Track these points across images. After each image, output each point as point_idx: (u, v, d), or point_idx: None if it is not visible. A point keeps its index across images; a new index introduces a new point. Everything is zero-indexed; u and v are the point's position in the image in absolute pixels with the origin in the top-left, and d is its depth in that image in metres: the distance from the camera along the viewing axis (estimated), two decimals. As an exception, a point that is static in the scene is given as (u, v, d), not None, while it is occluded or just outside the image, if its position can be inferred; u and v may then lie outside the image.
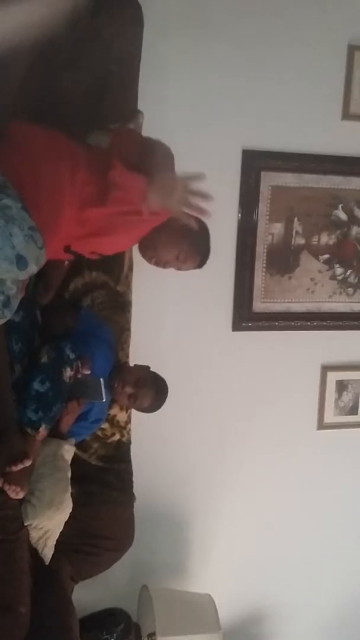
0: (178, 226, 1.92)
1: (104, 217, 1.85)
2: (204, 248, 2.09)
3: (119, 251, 2.19)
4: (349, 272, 2.81)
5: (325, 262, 2.77)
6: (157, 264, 2.07)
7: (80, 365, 2.06)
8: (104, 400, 2.16)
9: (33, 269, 1.61)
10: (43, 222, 1.64)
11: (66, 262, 2.14)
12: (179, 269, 2.10)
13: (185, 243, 2.02)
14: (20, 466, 1.87)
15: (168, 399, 2.29)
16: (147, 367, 2.29)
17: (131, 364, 2.38)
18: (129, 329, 2.41)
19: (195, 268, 2.12)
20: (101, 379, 2.12)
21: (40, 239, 1.61)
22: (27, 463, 1.89)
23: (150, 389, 2.23)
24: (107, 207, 1.81)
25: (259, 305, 2.71)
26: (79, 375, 2.06)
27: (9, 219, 1.54)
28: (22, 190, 1.62)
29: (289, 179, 2.65)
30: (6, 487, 1.87)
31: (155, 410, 2.28)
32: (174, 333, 2.59)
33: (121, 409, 2.39)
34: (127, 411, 2.41)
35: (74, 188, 1.77)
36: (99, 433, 2.38)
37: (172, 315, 2.58)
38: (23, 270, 1.57)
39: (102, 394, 2.12)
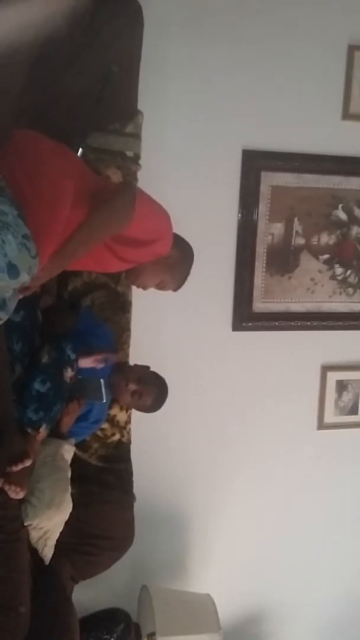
0: (161, 259, 2.02)
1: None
2: (184, 276, 2.15)
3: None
4: (349, 272, 2.81)
5: (325, 262, 2.77)
6: (138, 287, 2.14)
7: (96, 357, 2.07)
8: (104, 401, 2.16)
9: (25, 278, 1.58)
10: (39, 231, 1.61)
11: None
12: (158, 289, 2.17)
13: (167, 274, 2.09)
14: (20, 466, 1.87)
15: (168, 399, 2.29)
16: (148, 367, 2.29)
17: (131, 364, 2.38)
18: (129, 329, 2.41)
19: (172, 291, 2.18)
20: (101, 380, 2.12)
21: (34, 248, 1.58)
22: (28, 463, 1.89)
23: (153, 386, 2.24)
24: None
25: (259, 305, 2.71)
26: (80, 376, 2.07)
27: (4, 225, 1.51)
28: (20, 197, 1.60)
29: (289, 179, 2.65)
30: (6, 487, 1.87)
31: (155, 410, 2.28)
32: (174, 333, 2.59)
33: (121, 409, 2.40)
34: (127, 411, 2.41)
35: (70, 201, 1.76)
36: (99, 433, 2.38)
37: (172, 315, 2.58)
38: (14, 279, 1.54)
39: (102, 395, 2.12)
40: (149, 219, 1.93)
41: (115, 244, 1.88)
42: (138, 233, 1.89)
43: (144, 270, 2.06)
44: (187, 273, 2.15)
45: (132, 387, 2.22)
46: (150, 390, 2.23)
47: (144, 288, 2.14)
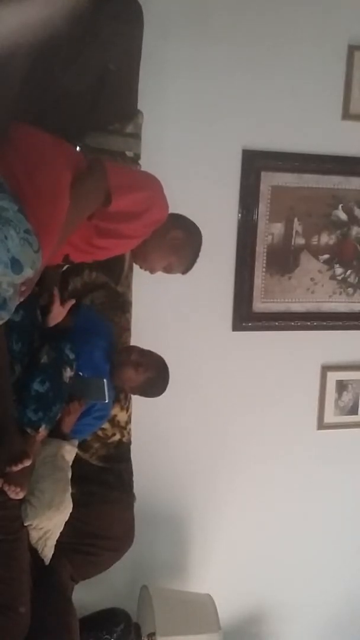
0: (167, 240, 2.02)
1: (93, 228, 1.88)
2: (191, 258, 2.14)
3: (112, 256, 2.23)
4: (349, 272, 2.81)
5: (325, 262, 2.77)
6: (146, 270, 2.14)
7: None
8: (106, 401, 2.15)
9: (29, 272, 1.59)
10: (40, 230, 1.61)
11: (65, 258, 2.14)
12: (166, 272, 2.16)
13: (174, 256, 2.08)
14: (20, 466, 1.87)
15: (168, 399, 2.29)
16: None
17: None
18: (129, 329, 2.41)
19: (180, 273, 2.18)
20: (104, 380, 2.11)
21: (36, 242, 1.58)
22: (27, 463, 1.89)
23: (155, 359, 2.23)
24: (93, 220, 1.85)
25: (259, 305, 2.71)
26: (81, 373, 2.06)
27: (5, 221, 1.51)
28: (20, 197, 1.60)
29: (288, 179, 2.65)
30: (6, 488, 1.87)
31: (158, 392, 2.25)
32: (174, 333, 2.59)
33: (121, 408, 2.40)
34: (127, 411, 2.41)
35: (68, 194, 1.76)
36: (100, 433, 2.38)
37: (172, 315, 2.58)
38: (18, 274, 1.54)
39: (104, 394, 2.11)
40: (135, 189, 1.90)
41: (109, 223, 1.85)
42: (127, 205, 1.86)
43: (151, 253, 2.05)
44: (195, 255, 2.14)
45: (135, 358, 2.20)
46: (153, 361, 2.22)
47: (152, 271, 2.13)
